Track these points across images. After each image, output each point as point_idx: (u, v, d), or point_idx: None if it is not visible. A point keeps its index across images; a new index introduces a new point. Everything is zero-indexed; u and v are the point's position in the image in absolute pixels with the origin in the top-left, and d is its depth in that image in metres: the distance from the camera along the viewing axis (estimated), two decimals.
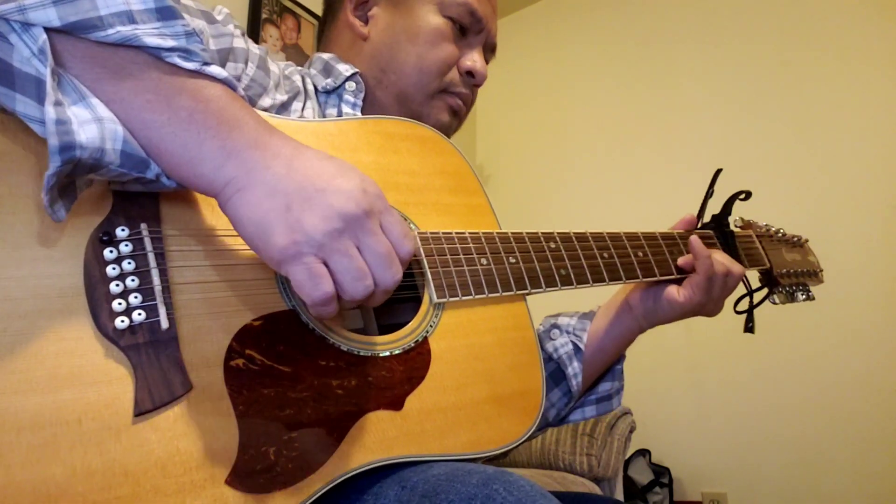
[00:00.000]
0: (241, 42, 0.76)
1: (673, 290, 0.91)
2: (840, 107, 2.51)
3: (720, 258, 0.91)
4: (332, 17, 0.99)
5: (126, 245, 0.52)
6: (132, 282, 0.51)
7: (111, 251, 0.52)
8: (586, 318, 0.98)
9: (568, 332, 0.96)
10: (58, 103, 0.45)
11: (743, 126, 2.73)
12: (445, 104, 0.92)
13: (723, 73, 2.84)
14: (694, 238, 0.90)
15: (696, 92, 2.90)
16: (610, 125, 3.15)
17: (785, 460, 2.44)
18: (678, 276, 0.91)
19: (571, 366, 0.93)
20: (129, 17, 0.47)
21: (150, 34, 0.48)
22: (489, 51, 0.98)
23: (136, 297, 0.51)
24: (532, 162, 3.40)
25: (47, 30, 0.45)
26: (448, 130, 0.93)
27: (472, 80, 0.93)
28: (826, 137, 2.53)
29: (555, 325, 0.98)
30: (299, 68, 0.91)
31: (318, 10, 2.57)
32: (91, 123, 0.46)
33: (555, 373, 0.95)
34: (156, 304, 0.52)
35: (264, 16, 2.37)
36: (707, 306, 0.92)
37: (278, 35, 2.43)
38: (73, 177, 0.48)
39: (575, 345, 0.94)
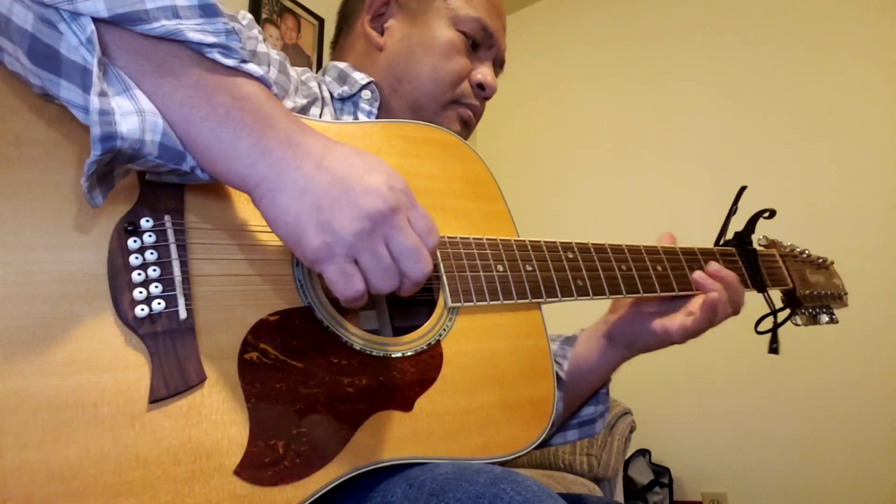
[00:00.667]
0: (263, 47, 0.78)
1: (665, 323, 0.89)
2: (843, 107, 2.49)
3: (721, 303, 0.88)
4: (348, 27, 1.01)
5: (150, 235, 0.54)
6: (154, 272, 0.53)
7: (135, 241, 0.53)
8: (568, 343, 0.98)
9: None
10: (102, 93, 0.46)
11: (744, 126, 2.72)
12: (457, 114, 0.95)
13: (723, 73, 2.82)
14: (700, 276, 0.89)
15: (696, 92, 2.89)
16: (610, 125, 3.14)
17: (785, 460, 2.42)
18: (696, 293, 0.90)
19: None
20: (174, 12, 0.49)
21: (193, 29, 0.49)
22: (498, 66, 1.01)
23: (156, 287, 0.52)
24: (532, 162, 3.41)
25: (95, 20, 0.47)
26: None
27: (483, 92, 0.96)
28: (827, 138, 2.51)
29: None
30: (315, 75, 0.94)
31: (319, 11, 2.62)
32: (133, 115, 0.47)
33: None
34: (175, 295, 0.53)
35: (264, 16, 2.39)
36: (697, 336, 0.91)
37: (278, 35, 2.45)
38: (112, 165, 0.50)
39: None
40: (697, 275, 0.90)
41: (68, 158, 0.53)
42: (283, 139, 0.52)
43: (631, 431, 2.23)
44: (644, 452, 2.64)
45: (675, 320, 0.88)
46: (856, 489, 2.26)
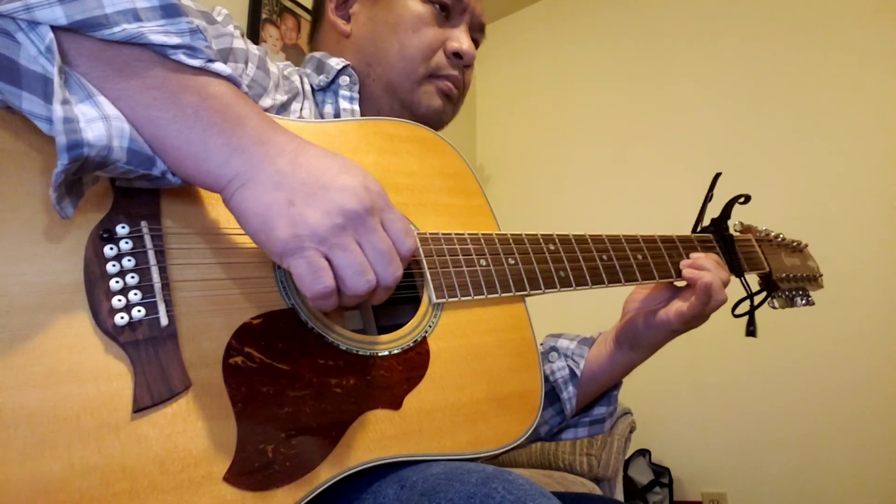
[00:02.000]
0: (240, 43, 0.76)
1: (662, 312, 0.89)
2: (841, 107, 2.52)
3: (715, 283, 0.88)
4: (319, 19, 1.00)
5: (126, 242, 0.53)
6: (132, 279, 0.52)
7: (111, 248, 0.52)
8: (585, 343, 0.98)
9: (566, 356, 0.96)
10: (65, 101, 0.45)
11: (742, 126, 2.74)
12: (435, 88, 0.92)
13: (722, 73, 2.84)
14: (686, 266, 0.89)
15: (695, 92, 2.91)
16: (610, 125, 3.15)
17: (785, 461, 2.44)
18: (676, 279, 0.91)
19: (566, 390, 0.94)
20: (135, 15, 0.48)
21: (156, 31, 0.48)
22: (477, 30, 0.97)
23: (135, 294, 0.51)
24: (532, 162, 3.40)
25: (53, 28, 0.45)
26: (442, 115, 0.94)
27: (461, 61, 0.92)
28: (827, 138, 2.53)
29: (553, 348, 0.98)
30: (297, 68, 0.92)
31: None
32: (98, 121, 0.46)
33: (549, 393, 0.95)
34: (155, 301, 0.52)
35: (264, 16, 2.37)
36: (695, 324, 0.91)
37: (278, 35, 2.43)
38: (81, 174, 0.48)
39: (571, 370, 0.95)
40: (686, 271, 0.89)
41: (38, 168, 0.51)
42: (254, 137, 0.51)
43: (631, 431, 2.24)
44: (644, 452, 2.65)
45: (672, 307, 0.89)
46: (856, 489, 2.28)
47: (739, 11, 2.85)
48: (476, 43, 0.97)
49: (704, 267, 0.88)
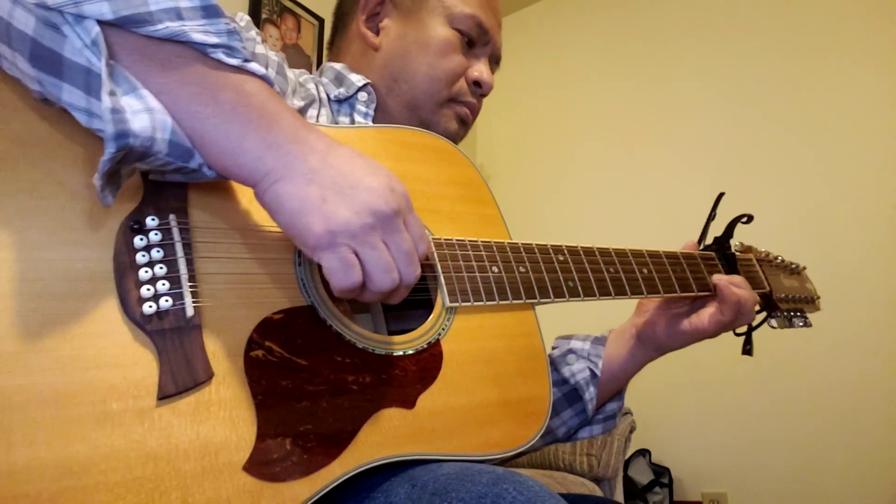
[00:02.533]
0: (261, 48, 0.79)
1: (694, 321, 0.94)
2: (842, 108, 2.53)
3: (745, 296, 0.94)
4: (343, 27, 1.01)
5: (156, 234, 0.54)
6: (160, 269, 0.53)
7: (141, 239, 0.53)
8: (599, 343, 1.00)
9: (584, 358, 0.98)
10: (112, 93, 0.47)
11: (743, 127, 2.75)
12: (454, 113, 0.95)
13: (723, 73, 2.86)
14: (723, 284, 0.94)
15: (696, 92, 2.92)
16: (610, 126, 3.17)
17: (785, 461, 2.43)
18: (683, 295, 0.93)
19: (588, 391, 0.96)
20: (177, 14, 0.49)
21: (197, 30, 0.50)
22: (494, 62, 1.01)
23: (164, 285, 0.52)
24: (532, 162, 3.42)
25: (99, 23, 0.47)
26: (455, 138, 0.96)
27: (479, 89, 0.96)
28: (827, 139, 2.54)
29: (570, 351, 1.00)
30: (312, 76, 0.94)
31: (319, 11, 2.62)
32: (143, 113, 0.48)
33: (570, 394, 0.97)
34: (182, 292, 0.53)
35: (264, 16, 2.39)
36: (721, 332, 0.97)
37: (278, 35, 2.45)
38: (120, 165, 0.50)
39: (591, 371, 0.97)
40: (725, 286, 0.94)
41: (71, 159, 0.53)
42: (289, 134, 0.53)
43: (631, 431, 2.24)
44: (644, 452, 2.65)
45: (705, 314, 0.94)
46: (856, 489, 2.28)
47: (741, 12, 2.87)
48: (491, 72, 1.01)
49: (740, 286, 0.94)
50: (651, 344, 0.97)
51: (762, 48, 2.78)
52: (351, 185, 0.52)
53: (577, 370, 0.96)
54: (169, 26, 0.49)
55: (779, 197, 2.49)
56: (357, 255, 0.53)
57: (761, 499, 2.47)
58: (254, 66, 0.54)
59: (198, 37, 0.50)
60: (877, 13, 2.52)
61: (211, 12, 0.51)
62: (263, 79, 0.55)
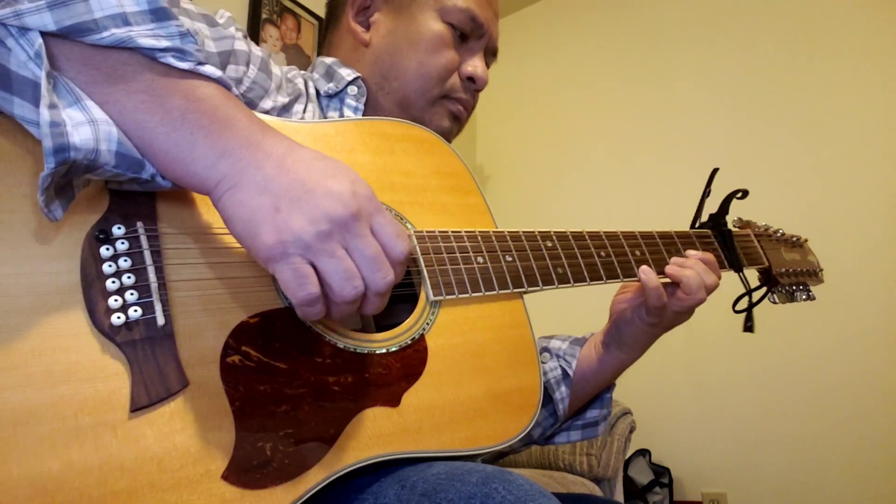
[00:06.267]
0: (242, 45, 0.76)
1: (636, 316, 0.90)
2: (840, 107, 2.51)
3: (692, 281, 0.87)
4: (335, 21, 0.99)
5: (122, 243, 0.53)
6: (128, 279, 0.52)
7: (108, 249, 0.52)
8: (577, 343, 0.98)
9: (558, 357, 0.96)
10: (52, 106, 0.45)
11: (742, 126, 2.73)
12: (446, 110, 0.93)
13: (722, 73, 2.84)
14: (644, 269, 0.87)
15: (695, 92, 2.90)
16: (610, 125, 3.15)
17: (785, 461, 2.43)
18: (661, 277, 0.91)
19: (559, 390, 0.94)
20: (124, 20, 0.48)
21: (145, 35, 0.48)
22: (490, 55, 0.98)
23: (132, 294, 0.51)
24: (532, 162, 3.40)
25: (43, 34, 0.46)
26: (448, 136, 0.94)
27: (473, 85, 0.93)
28: (826, 137, 2.53)
29: (545, 349, 0.98)
30: (302, 72, 0.92)
31: (319, 11, 2.60)
32: (85, 125, 0.47)
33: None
34: (152, 301, 0.52)
35: (264, 16, 2.38)
36: (678, 321, 0.91)
37: (278, 35, 2.44)
38: (70, 177, 0.49)
39: (564, 370, 0.94)
40: (669, 268, 0.89)
41: (34, 171, 0.52)
42: (242, 139, 0.51)
43: (631, 431, 2.23)
44: (644, 452, 2.64)
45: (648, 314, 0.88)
46: (856, 489, 2.27)
47: (740, 11, 2.84)
48: (487, 66, 0.98)
49: (687, 265, 0.88)
50: (613, 343, 0.93)
51: (761, 47, 2.75)
52: (307, 190, 0.50)
53: (549, 368, 0.94)
54: (114, 33, 0.47)
55: (777, 195, 2.47)
56: (314, 265, 0.50)
57: (761, 499, 2.46)
58: (208, 68, 0.52)
59: (145, 42, 0.48)
60: (877, 12, 2.48)
61: (160, 15, 0.50)
62: (219, 81, 0.53)
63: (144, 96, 0.49)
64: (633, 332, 0.91)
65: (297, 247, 0.49)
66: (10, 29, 0.45)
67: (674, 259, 0.91)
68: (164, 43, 0.49)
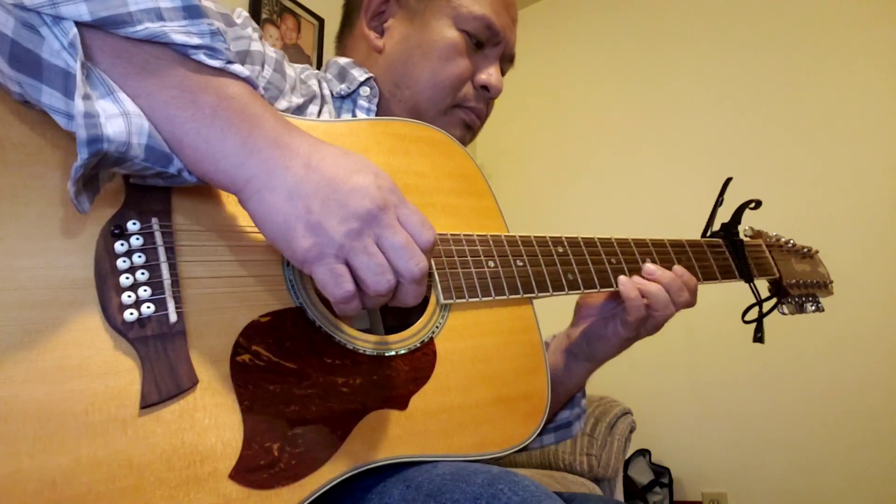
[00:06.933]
0: (258, 45, 0.76)
1: (609, 330, 0.87)
2: (842, 108, 2.51)
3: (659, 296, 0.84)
4: (349, 25, 0.98)
5: (137, 239, 0.53)
6: (142, 275, 0.52)
7: (122, 244, 0.52)
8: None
9: None
10: (86, 96, 0.45)
11: (744, 127, 2.73)
12: (459, 119, 0.91)
13: (724, 74, 2.83)
14: (623, 279, 0.83)
15: (696, 92, 2.90)
16: (611, 125, 3.15)
17: (785, 461, 2.44)
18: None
19: None
20: (158, 14, 0.48)
21: (178, 31, 0.48)
22: (507, 61, 0.97)
23: (145, 291, 0.52)
24: (533, 162, 3.40)
25: (77, 24, 0.46)
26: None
27: (487, 93, 0.92)
28: (828, 138, 2.52)
29: None
30: (316, 72, 0.91)
31: (319, 11, 2.60)
32: (118, 118, 0.47)
33: None
34: (164, 298, 0.52)
35: (264, 16, 2.37)
36: (641, 335, 0.87)
37: (278, 35, 2.43)
38: (98, 170, 0.49)
39: None
40: (637, 278, 0.84)
41: (52, 163, 0.52)
42: (270, 139, 0.52)
43: (631, 431, 2.23)
44: (644, 452, 2.65)
45: (620, 316, 0.85)
46: (856, 489, 2.27)
47: (742, 11, 2.83)
48: (503, 72, 0.96)
49: (658, 280, 0.84)
50: (583, 355, 0.90)
51: (763, 47, 2.74)
52: (335, 189, 0.51)
53: None
54: (148, 27, 0.47)
55: (779, 196, 2.46)
56: (348, 263, 0.51)
57: (761, 499, 2.47)
58: (237, 67, 0.52)
59: (178, 38, 0.48)
60: (877, 12, 2.48)
61: (193, 13, 0.50)
62: (247, 81, 0.53)
63: (176, 91, 0.49)
64: (604, 347, 0.88)
65: (332, 247, 0.50)
66: (44, 17, 0.45)
67: (647, 271, 0.85)
68: (195, 40, 0.49)
